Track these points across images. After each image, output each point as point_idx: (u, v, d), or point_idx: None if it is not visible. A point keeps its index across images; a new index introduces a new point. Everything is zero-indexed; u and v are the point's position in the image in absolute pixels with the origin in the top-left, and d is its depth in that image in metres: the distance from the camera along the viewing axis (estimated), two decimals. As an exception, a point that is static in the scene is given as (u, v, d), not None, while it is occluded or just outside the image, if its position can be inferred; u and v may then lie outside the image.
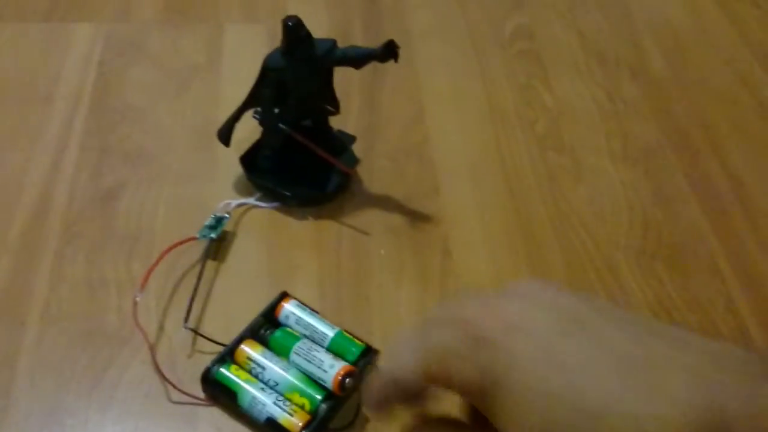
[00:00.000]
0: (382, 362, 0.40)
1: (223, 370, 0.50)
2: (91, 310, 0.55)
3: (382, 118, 0.72)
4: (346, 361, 0.51)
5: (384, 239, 0.62)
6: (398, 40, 0.55)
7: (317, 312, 0.54)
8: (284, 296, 0.55)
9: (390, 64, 0.57)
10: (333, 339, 0.52)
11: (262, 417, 0.49)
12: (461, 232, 0.64)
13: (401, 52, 0.55)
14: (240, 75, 0.63)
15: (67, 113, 0.68)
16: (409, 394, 0.32)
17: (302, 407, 0.49)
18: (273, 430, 0.48)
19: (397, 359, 0.32)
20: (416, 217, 0.64)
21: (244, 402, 0.49)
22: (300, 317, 0.54)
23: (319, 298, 0.58)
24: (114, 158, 0.65)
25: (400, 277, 0.60)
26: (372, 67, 0.58)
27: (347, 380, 0.50)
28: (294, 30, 0.55)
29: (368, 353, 0.52)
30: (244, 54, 0.74)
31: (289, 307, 0.54)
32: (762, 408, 0.26)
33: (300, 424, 0.48)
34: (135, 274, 0.57)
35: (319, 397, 0.49)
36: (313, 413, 0.49)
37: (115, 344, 0.53)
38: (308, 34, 0.56)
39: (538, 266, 0.62)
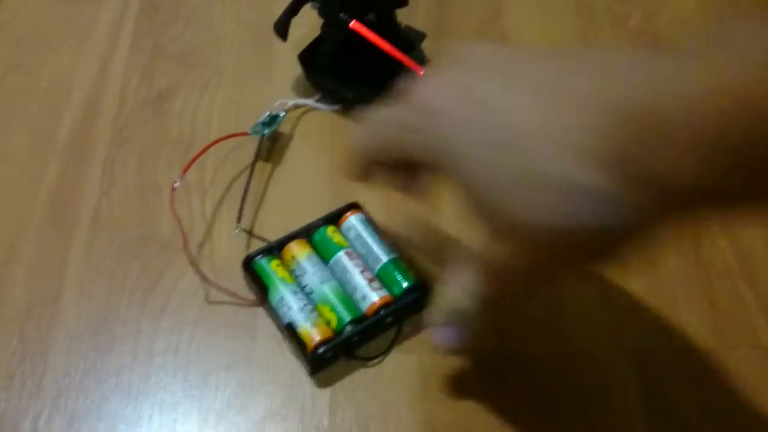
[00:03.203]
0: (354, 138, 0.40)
1: (263, 262, 0.47)
2: (144, 216, 0.52)
3: (455, 14, 0.65)
4: (392, 293, 0.46)
5: (456, 145, 0.57)
6: None
7: (381, 233, 0.49)
8: (353, 207, 0.50)
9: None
10: (384, 265, 0.47)
11: (285, 320, 0.45)
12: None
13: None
14: (298, -34, 0.57)
15: (116, 12, 0.64)
16: (381, 162, 0.39)
17: (328, 323, 0.45)
18: (291, 336, 0.45)
19: (362, 136, 0.38)
20: (492, 121, 0.58)
21: (273, 300, 0.46)
22: (359, 233, 0.49)
23: (385, 208, 0.53)
24: (166, 59, 0.61)
25: (473, 186, 0.54)
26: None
27: (381, 312, 0.45)
28: None
29: (417, 289, 0.47)
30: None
31: (353, 220, 0.50)
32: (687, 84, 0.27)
33: (318, 338, 0.44)
34: (188, 179, 0.53)
35: (347, 317, 0.45)
36: (337, 332, 0.45)
37: (170, 251, 0.50)
38: None
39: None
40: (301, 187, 0.54)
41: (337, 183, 0.54)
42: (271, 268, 0.47)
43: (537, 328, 0.48)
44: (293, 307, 0.45)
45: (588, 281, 0.50)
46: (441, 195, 0.42)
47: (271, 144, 0.56)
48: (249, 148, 0.55)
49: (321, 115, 0.58)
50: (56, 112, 0.57)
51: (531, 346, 0.47)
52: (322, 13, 0.55)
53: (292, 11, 0.56)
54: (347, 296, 0.46)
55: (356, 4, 0.54)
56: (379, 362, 0.46)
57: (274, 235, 0.50)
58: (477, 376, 0.46)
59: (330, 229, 0.49)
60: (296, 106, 0.58)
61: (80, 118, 0.57)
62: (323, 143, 0.57)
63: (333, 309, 0.45)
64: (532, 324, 0.48)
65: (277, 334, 0.46)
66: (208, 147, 0.52)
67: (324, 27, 0.56)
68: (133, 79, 0.59)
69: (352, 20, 0.53)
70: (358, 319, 0.45)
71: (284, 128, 0.57)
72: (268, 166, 0.55)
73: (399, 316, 0.46)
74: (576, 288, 0.49)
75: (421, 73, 0.54)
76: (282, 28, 0.56)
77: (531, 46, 0.63)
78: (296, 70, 0.59)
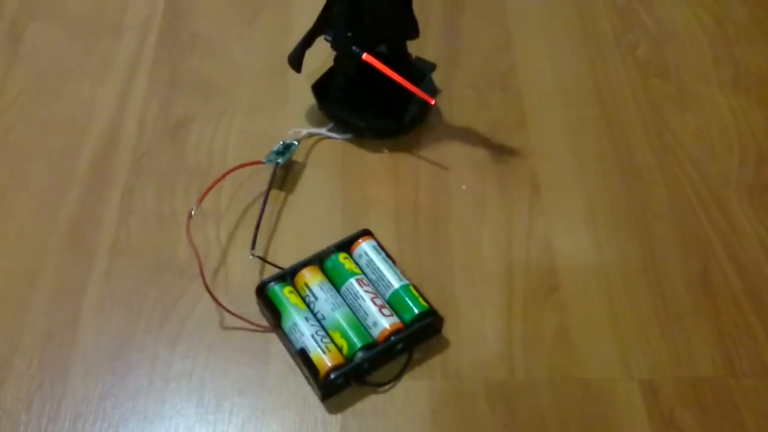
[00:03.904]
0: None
1: (276, 288, 0.48)
2: (161, 243, 0.53)
3: (465, 44, 0.66)
4: (402, 319, 0.47)
5: (465, 174, 0.58)
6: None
7: (392, 259, 0.50)
8: (364, 234, 0.52)
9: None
10: (395, 291, 0.48)
11: (297, 345, 0.46)
12: (551, 165, 0.58)
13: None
14: (312, 1, 0.59)
15: (136, 43, 0.65)
16: None
17: (340, 349, 0.46)
18: (303, 362, 0.45)
19: None
20: (501, 151, 0.59)
21: (286, 326, 0.47)
22: (371, 260, 0.50)
23: (395, 235, 0.54)
24: (183, 89, 0.63)
25: (482, 214, 0.55)
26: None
27: (392, 338, 0.46)
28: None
29: (428, 316, 0.47)
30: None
31: (365, 247, 0.51)
32: None
33: (330, 364, 0.45)
34: (204, 206, 0.54)
35: (358, 344, 0.46)
36: (349, 359, 0.45)
37: (186, 277, 0.51)
38: (385, -56, 0.51)
39: (639, 203, 0.56)
40: (314, 214, 0.55)
41: (349, 210, 0.55)
42: (284, 294, 0.48)
43: (546, 356, 0.48)
44: (305, 333, 0.46)
45: (596, 309, 0.51)
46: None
47: (285, 172, 0.57)
48: (263, 176, 0.56)
49: (333, 144, 0.59)
50: (76, 141, 0.59)
51: (540, 374, 0.48)
52: (334, 46, 0.56)
53: (305, 44, 0.57)
54: (358, 323, 0.47)
55: (368, 37, 0.56)
56: (390, 388, 0.47)
57: (287, 261, 0.51)
58: (486, 404, 0.46)
59: (342, 256, 0.50)
60: (309, 135, 0.59)
61: (100, 147, 0.58)
62: (335, 171, 0.58)
63: (344, 335, 0.46)
64: (541, 352, 0.48)
65: (290, 360, 0.47)
66: (224, 176, 0.54)
67: (336, 59, 0.58)
68: (152, 108, 0.61)
69: (363, 53, 0.55)
70: (369, 346, 0.46)
71: (297, 156, 0.58)
72: (282, 194, 0.56)
73: (409, 343, 0.47)
74: (584, 316, 0.50)
75: (432, 103, 0.55)
76: (296, 61, 0.58)
77: (540, 75, 0.64)
78: (310, 99, 0.61)
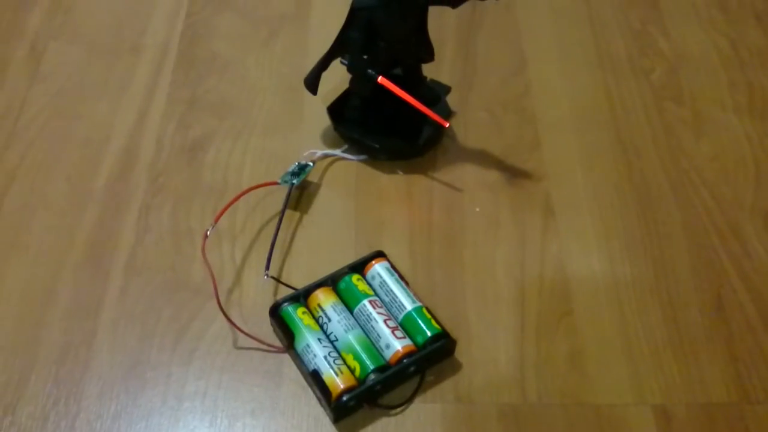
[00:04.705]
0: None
1: (289, 309, 0.48)
2: (176, 261, 0.53)
3: (479, 67, 0.67)
4: (415, 342, 0.47)
5: (479, 196, 0.58)
6: (499, -23, 0.51)
7: (405, 281, 0.50)
8: (378, 255, 0.52)
9: (489, 7, 0.52)
10: (407, 314, 0.48)
11: (310, 367, 0.46)
12: (565, 189, 0.58)
13: (502, -5, 0.51)
14: (328, 23, 0.60)
15: (154, 64, 0.66)
16: None
17: (352, 371, 0.46)
18: (315, 383, 0.46)
19: None
20: (515, 173, 0.59)
21: (299, 347, 0.47)
22: (384, 281, 0.50)
23: (409, 257, 0.54)
24: (201, 109, 0.63)
25: (496, 237, 0.56)
26: (469, 10, 0.53)
27: (404, 361, 0.46)
28: (386, -35, 0.51)
29: (440, 339, 0.48)
30: (333, 1, 0.70)
31: (378, 268, 0.51)
32: None
33: (342, 386, 0.45)
34: (219, 225, 0.55)
35: (371, 366, 0.46)
36: (361, 381, 0.45)
37: (201, 297, 0.51)
38: (401, -30, 0.51)
39: (653, 228, 0.56)
40: (328, 234, 0.56)
41: (363, 231, 0.56)
42: (297, 315, 0.48)
43: (559, 380, 0.48)
44: (318, 355, 0.46)
45: (609, 333, 0.50)
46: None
47: (299, 192, 0.58)
48: (278, 196, 0.56)
49: (348, 165, 0.60)
50: (95, 160, 0.59)
51: (553, 399, 0.47)
52: (350, 68, 0.57)
53: (322, 67, 0.58)
54: (371, 344, 0.47)
55: (383, 60, 0.56)
56: (402, 411, 0.47)
57: (300, 282, 0.51)
58: (498, 427, 0.46)
59: (355, 277, 0.51)
60: (324, 156, 0.60)
61: (118, 165, 0.59)
62: (349, 192, 0.58)
63: (357, 357, 0.46)
64: (554, 377, 0.48)
65: (302, 381, 0.47)
66: (239, 196, 0.54)
67: (352, 81, 0.58)
68: (169, 128, 0.62)
69: (379, 76, 0.55)
70: (382, 368, 0.46)
71: (312, 177, 0.59)
72: (296, 214, 0.57)
73: (422, 366, 0.47)
74: (597, 340, 0.50)
75: (446, 126, 0.56)
76: (312, 83, 0.58)
77: (554, 98, 0.64)
78: (325, 120, 0.61)
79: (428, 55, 0.59)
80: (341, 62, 0.57)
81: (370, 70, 0.56)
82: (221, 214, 0.53)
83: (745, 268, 0.54)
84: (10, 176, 0.58)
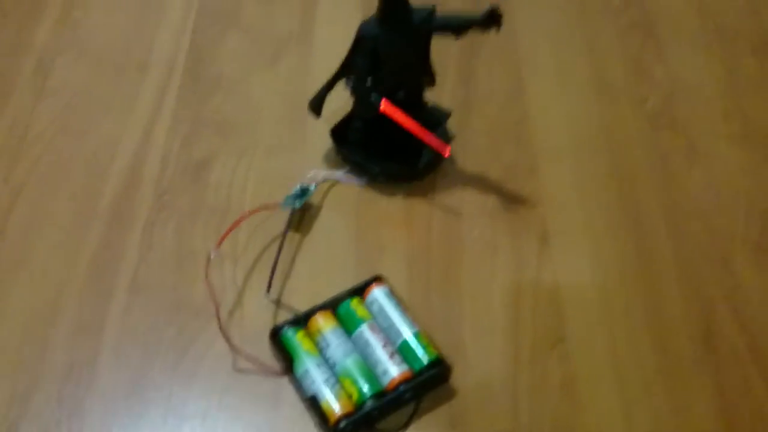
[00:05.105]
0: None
1: (289, 333, 0.49)
2: (179, 281, 0.55)
3: (479, 93, 0.68)
4: (412, 368, 0.48)
5: (477, 221, 0.59)
6: (499, 7, 0.52)
7: (403, 306, 0.52)
8: (377, 280, 0.53)
9: (489, 35, 0.53)
10: (405, 340, 0.50)
11: (309, 392, 0.47)
12: (561, 216, 0.59)
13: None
14: (332, 45, 0.61)
15: (160, 82, 0.67)
16: None
17: (350, 396, 0.47)
18: (313, 408, 0.47)
19: None
20: (512, 199, 0.60)
21: (298, 371, 0.48)
22: (383, 306, 0.51)
23: (407, 280, 0.55)
24: (206, 129, 0.64)
25: (492, 262, 0.57)
26: (470, 37, 0.54)
27: (401, 387, 0.47)
28: (391, -4, 0.52)
29: (436, 365, 0.49)
30: (338, 23, 0.72)
31: (377, 293, 0.52)
32: None
33: (340, 412, 0.46)
34: (222, 247, 0.56)
35: (368, 392, 0.47)
36: (358, 406, 0.47)
37: (203, 317, 0.52)
38: (406, 1, 0.53)
39: (645, 257, 0.57)
40: (328, 257, 0.57)
41: (363, 254, 0.57)
42: (297, 340, 0.49)
43: (551, 407, 0.49)
44: (317, 380, 0.47)
45: (600, 361, 0.52)
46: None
47: (301, 214, 0.59)
48: (280, 217, 0.57)
49: (349, 188, 0.61)
50: (100, 177, 0.61)
51: (544, 426, 0.49)
52: (354, 92, 0.58)
53: (326, 91, 0.59)
54: (369, 370, 0.48)
55: (387, 85, 0.57)
56: (398, 434, 0.48)
57: (301, 304, 0.53)
58: (491, 453, 0.47)
59: (354, 302, 0.52)
60: (326, 179, 0.61)
61: (122, 183, 0.60)
62: (350, 215, 0.59)
63: (355, 383, 0.47)
64: (546, 404, 0.50)
65: (300, 405, 0.49)
66: (241, 219, 0.55)
67: (355, 105, 0.60)
68: (174, 147, 0.63)
69: (382, 101, 0.56)
70: (379, 394, 0.47)
71: (314, 199, 0.60)
72: (297, 236, 0.58)
73: (418, 392, 0.48)
74: (589, 368, 0.51)
75: (446, 156, 0.57)
76: (317, 106, 0.59)
77: (552, 124, 0.66)
78: (327, 142, 0.62)
79: (430, 80, 0.60)
80: (345, 86, 0.58)
81: (373, 95, 0.57)
82: (223, 238, 0.54)
83: (734, 299, 0.55)
84: (16, 192, 0.59)
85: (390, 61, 0.56)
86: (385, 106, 0.56)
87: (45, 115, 0.65)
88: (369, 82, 0.57)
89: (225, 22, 0.72)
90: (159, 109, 0.65)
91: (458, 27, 0.53)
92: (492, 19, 0.51)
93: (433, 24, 0.53)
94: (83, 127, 0.64)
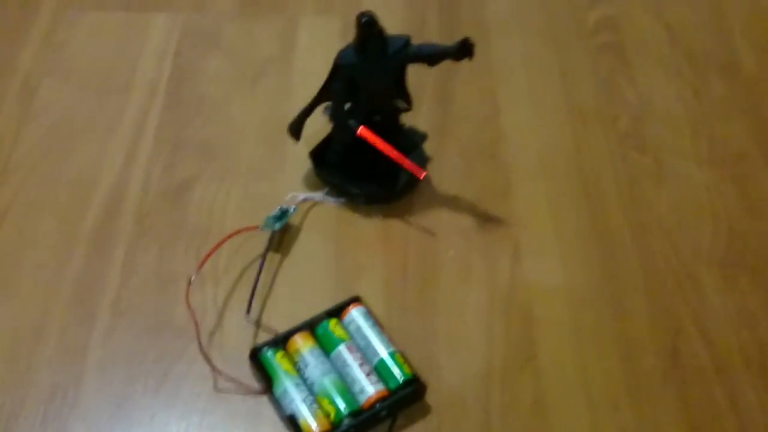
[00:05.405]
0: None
1: (268, 354, 0.51)
2: (160, 303, 0.56)
3: (455, 115, 0.70)
4: (387, 386, 0.50)
5: (452, 241, 0.61)
6: (475, 33, 0.54)
7: (380, 326, 0.53)
8: (355, 301, 0.55)
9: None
10: (381, 360, 0.51)
11: (287, 411, 0.49)
12: (533, 236, 0.61)
13: (477, 46, 0.53)
14: (313, 68, 0.62)
15: (143, 104, 0.69)
16: None
17: (327, 415, 0.49)
18: (292, 427, 0.48)
19: None
20: (486, 219, 0.62)
21: (277, 391, 0.50)
22: (360, 326, 0.53)
23: (384, 300, 0.57)
24: (187, 151, 0.66)
25: (467, 281, 0.59)
26: (445, 63, 0.56)
27: (377, 405, 0.49)
28: (367, 27, 0.54)
29: (411, 384, 0.50)
30: (318, 46, 0.73)
31: (355, 313, 0.54)
32: None
33: (317, 430, 0.48)
34: (203, 268, 0.57)
35: (345, 410, 0.49)
36: (335, 424, 0.48)
37: (184, 339, 0.54)
38: (381, 31, 0.54)
39: (614, 275, 0.59)
40: (308, 278, 0.58)
41: (341, 275, 0.58)
42: (276, 360, 0.51)
43: (522, 423, 0.51)
44: (295, 399, 0.49)
45: (570, 377, 0.54)
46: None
47: (281, 234, 0.60)
48: (260, 238, 0.59)
49: (328, 209, 0.63)
50: (84, 200, 0.62)
51: (515, 441, 0.50)
52: (332, 118, 0.60)
53: (305, 115, 0.60)
54: (346, 389, 0.50)
55: (364, 111, 0.59)
56: (374, 452, 0.49)
57: (280, 324, 0.54)
58: (464, 469, 0.49)
59: (332, 323, 0.53)
60: (305, 200, 0.63)
61: (105, 206, 0.61)
62: (329, 236, 0.61)
63: (332, 402, 0.49)
64: (517, 420, 0.51)
65: (280, 423, 0.50)
66: (222, 242, 0.57)
67: (334, 130, 0.61)
68: (156, 169, 0.64)
69: (359, 126, 0.58)
70: (356, 413, 0.49)
71: (294, 220, 0.61)
72: (277, 257, 0.59)
73: (393, 409, 0.50)
74: (559, 384, 0.53)
75: (421, 178, 0.59)
76: (296, 131, 0.61)
77: (525, 145, 0.68)
78: (307, 163, 0.64)
79: (407, 104, 0.62)
80: (324, 112, 0.60)
81: (351, 121, 0.59)
82: (204, 260, 0.55)
83: (700, 316, 0.57)
84: (1, 215, 0.60)
85: (366, 88, 0.58)
86: (362, 131, 0.58)
87: (31, 137, 0.66)
88: (346, 107, 0.59)
89: (206, 45, 0.74)
90: (141, 132, 0.67)
91: (431, 57, 0.55)
92: (464, 50, 0.53)
93: (407, 54, 0.55)
94: (67, 149, 0.65)
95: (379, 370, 0.51)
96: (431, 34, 0.75)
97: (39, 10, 0.75)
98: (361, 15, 0.53)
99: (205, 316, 0.55)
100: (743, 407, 0.52)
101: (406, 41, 0.55)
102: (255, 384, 0.52)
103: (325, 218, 0.62)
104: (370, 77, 0.57)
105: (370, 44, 0.55)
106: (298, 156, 0.64)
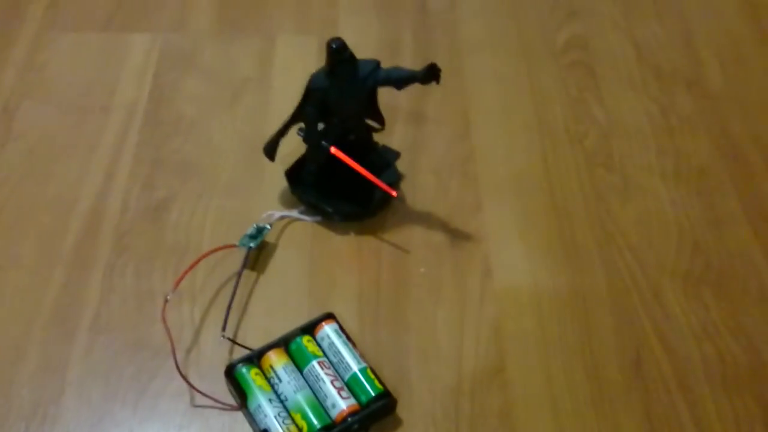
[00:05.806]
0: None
1: (243, 370, 0.52)
2: (138, 321, 0.57)
3: (428, 132, 0.72)
4: (359, 401, 0.52)
5: (424, 257, 0.63)
6: (448, 53, 0.56)
7: (352, 342, 0.55)
8: (328, 317, 0.56)
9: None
10: (353, 375, 0.53)
11: (262, 426, 0.50)
12: (502, 251, 0.63)
13: (450, 66, 0.55)
14: (290, 87, 0.64)
15: (122, 124, 0.70)
16: None
17: (300, 429, 0.50)
18: None
19: None
20: (457, 235, 0.64)
21: (251, 406, 0.51)
22: (333, 342, 0.55)
23: (357, 315, 0.59)
24: (166, 170, 0.67)
25: (438, 297, 0.60)
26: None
27: (349, 419, 0.51)
28: (337, 52, 0.55)
29: (382, 398, 0.52)
30: (295, 66, 0.75)
31: (327, 329, 0.55)
32: None
33: None
34: (180, 286, 0.58)
35: (317, 425, 0.50)
36: None
37: (161, 356, 0.55)
38: (352, 56, 0.56)
39: (580, 289, 0.61)
40: (282, 295, 0.60)
41: (315, 292, 0.60)
42: (251, 376, 0.52)
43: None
44: (269, 415, 0.50)
45: (537, 389, 0.55)
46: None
47: (257, 252, 0.62)
48: (237, 256, 0.60)
49: (304, 226, 0.64)
50: (63, 220, 0.63)
51: (483, 452, 0.52)
52: (306, 140, 0.62)
53: (279, 136, 0.62)
54: (318, 404, 0.52)
55: (336, 132, 0.61)
56: (346, 465, 0.51)
57: (256, 341, 0.56)
58: (433, 480, 0.51)
59: (305, 339, 0.55)
60: (281, 218, 0.64)
61: (85, 226, 0.63)
62: (304, 253, 0.63)
63: (305, 417, 0.51)
64: (484, 427, 0.53)
65: (256, 438, 0.52)
66: (198, 261, 0.58)
67: (308, 150, 0.63)
68: (135, 188, 0.66)
69: (332, 147, 0.60)
70: (328, 427, 0.50)
71: (270, 237, 0.63)
72: (253, 274, 0.61)
73: (365, 423, 0.52)
74: (526, 396, 0.55)
75: (395, 194, 0.61)
76: (270, 152, 0.63)
77: (496, 162, 0.70)
78: (284, 182, 0.66)
79: (380, 124, 0.64)
80: (297, 133, 0.62)
81: (323, 142, 0.61)
82: (181, 279, 0.57)
83: (663, 329, 0.59)
84: (-18, 236, 0.62)
85: (338, 110, 0.59)
86: (334, 151, 0.60)
87: (11, 159, 0.67)
88: (320, 128, 0.61)
89: (185, 65, 0.75)
90: (120, 151, 0.68)
91: (399, 81, 0.56)
92: (431, 75, 0.55)
93: (376, 78, 0.57)
94: (47, 170, 0.67)
95: (351, 385, 0.53)
96: (406, 54, 0.77)
97: (19, 32, 0.77)
98: (332, 41, 0.55)
99: (181, 333, 0.57)
100: (704, 419, 0.54)
101: (375, 65, 0.57)
102: (230, 400, 0.53)
103: (301, 235, 0.64)
104: (342, 100, 0.59)
105: (341, 69, 0.56)
106: (275, 174, 0.66)
